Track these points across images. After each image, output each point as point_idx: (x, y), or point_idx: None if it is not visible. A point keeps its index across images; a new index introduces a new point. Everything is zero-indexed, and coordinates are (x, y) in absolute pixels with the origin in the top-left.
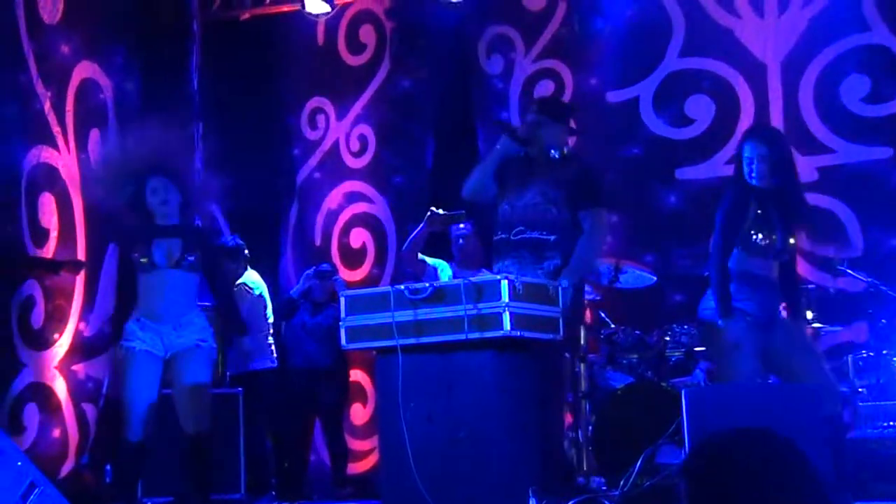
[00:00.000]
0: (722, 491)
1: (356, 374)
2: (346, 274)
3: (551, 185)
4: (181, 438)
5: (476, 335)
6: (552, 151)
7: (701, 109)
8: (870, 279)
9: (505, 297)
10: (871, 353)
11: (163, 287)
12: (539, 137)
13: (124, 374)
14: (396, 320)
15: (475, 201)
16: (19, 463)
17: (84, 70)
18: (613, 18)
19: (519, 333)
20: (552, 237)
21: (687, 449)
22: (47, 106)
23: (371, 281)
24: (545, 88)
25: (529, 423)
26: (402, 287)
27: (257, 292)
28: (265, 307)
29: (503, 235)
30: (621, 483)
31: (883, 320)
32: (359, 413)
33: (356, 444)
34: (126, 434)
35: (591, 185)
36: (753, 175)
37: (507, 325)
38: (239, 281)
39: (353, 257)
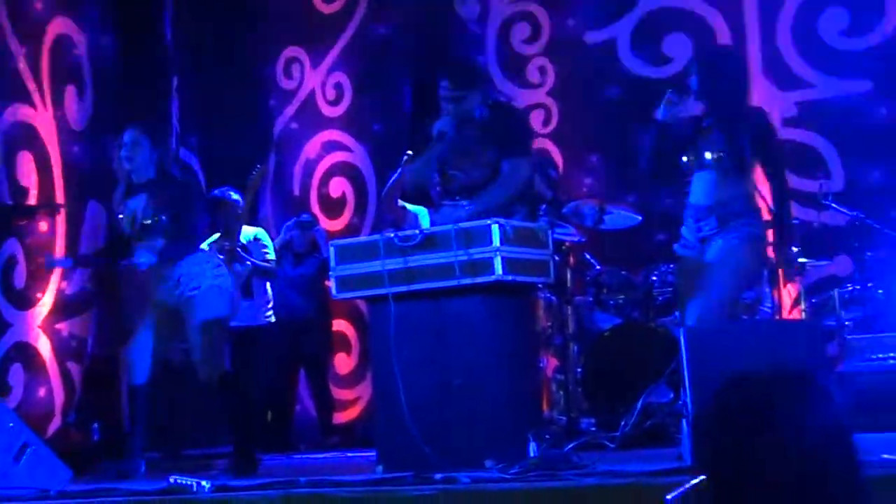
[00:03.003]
0: (743, 437)
1: (339, 324)
2: (326, 223)
3: (490, 147)
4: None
5: (468, 280)
6: (480, 112)
7: (679, 48)
8: (853, 213)
9: (496, 242)
10: (857, 287)
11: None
12: (462, 109)
13: None
14: (387, 268)
15: (418, 191)
16: (11, 424)
17: (58, 26)
18: None
19: (511, 278)
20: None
21: (687, 389)
22: (22, 64)
23: (351, 230)
24: (522, 31)
25: (523, 366)
26: (392, 234)
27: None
28: None
29: (462, 201)
30: (621, 424)
31: (868, 253)
32: (343, 362)
33: (341, 394)
34: None
35: (513, 133)
36: None
37: (498, 269)
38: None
39: (332, 207)
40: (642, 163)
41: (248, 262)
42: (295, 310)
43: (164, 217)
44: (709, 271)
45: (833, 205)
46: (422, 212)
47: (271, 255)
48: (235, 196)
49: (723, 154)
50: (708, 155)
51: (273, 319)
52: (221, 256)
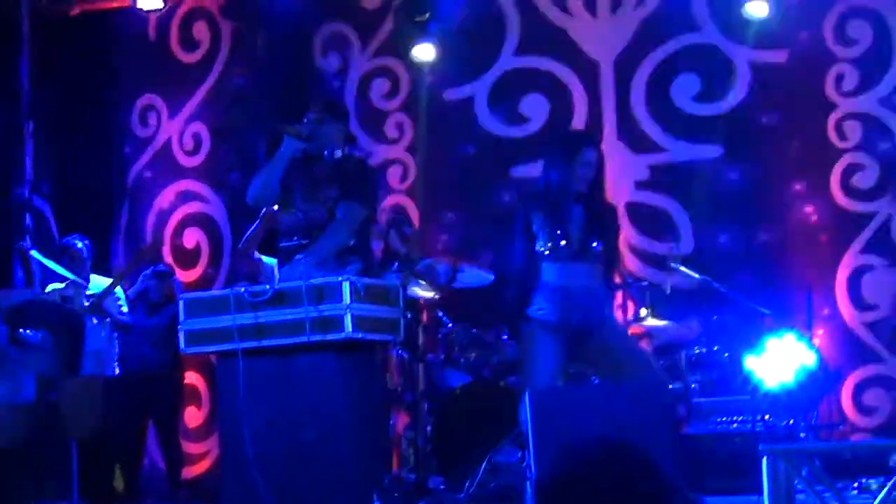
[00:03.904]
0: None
1: (190, 377)
2: (179, 274)
3: (335, 188)
4: None
5: (318, 337)
6: (334, 151)
7: (535, 108)
8: (701, 276)
9: (346, 299)
10: (704, 350)
11: None
12: (321, 135)
13: None
14: (237, 323)
15: (259, 206)
16: None
17: None
18: (449, 15)
19: (361, 335)
20: (351, 241)
21: (531, 450)
22: None
23: (206, 281)
24: (381, 86)
25: (372, 424)
26: (243, 289)
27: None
28: None
29: (302, 241)
30: (466, 485)
31: (714, 317)
32: (193, 416)
33: (191, 448)
34: None
35: (357, 180)
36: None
37: (348, 326)
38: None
39: (186, 258)
40: (517, 261)
41: (108, 320)
42: (147, 361)
43: None
44: (624, 349)
45: (682, 268)
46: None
47: (125, 308)
48: (80, 244)
49: (595, 244)
50: (578, 242)
51: (118, 371)
52: (87, 304)
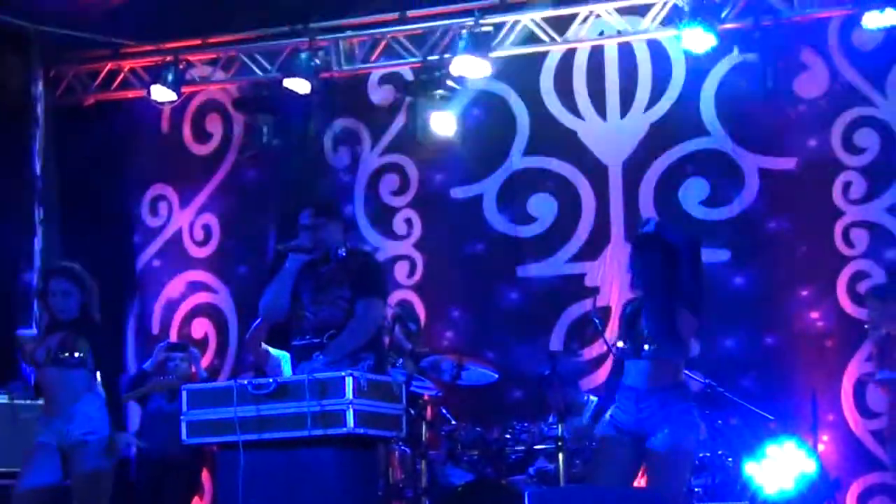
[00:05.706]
0: None
1: None
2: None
3: (345, 286)
4: None
5: (319, 432)
6: (338, 251)
7: (543, 208)
8: (706, 380)
9: (349, 395)
10: (707, 454)
11: (46, 384)
12: (322, 240)
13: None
14: (239, 416)
15: (271, 319)
16: None
17: None
18: (459, 116)
19: (363, 431)
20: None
21: None
22: None
23: (212, 371)
24: (391, 183)
25: None
26: (246, 382)
27: None
28: None
29: (314, 340)
30: None
31: (719, 421)
32: None
33: None
34: None
35: (369, 275)
36: None
37: (350, 422)
38: None
39: (194, 347)
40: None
41: None
42: (166, 446)
43: (78, 354)
44: (661, 464)
45: (687, 372)
46: (285, 356)
47: None
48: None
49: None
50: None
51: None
52: None
